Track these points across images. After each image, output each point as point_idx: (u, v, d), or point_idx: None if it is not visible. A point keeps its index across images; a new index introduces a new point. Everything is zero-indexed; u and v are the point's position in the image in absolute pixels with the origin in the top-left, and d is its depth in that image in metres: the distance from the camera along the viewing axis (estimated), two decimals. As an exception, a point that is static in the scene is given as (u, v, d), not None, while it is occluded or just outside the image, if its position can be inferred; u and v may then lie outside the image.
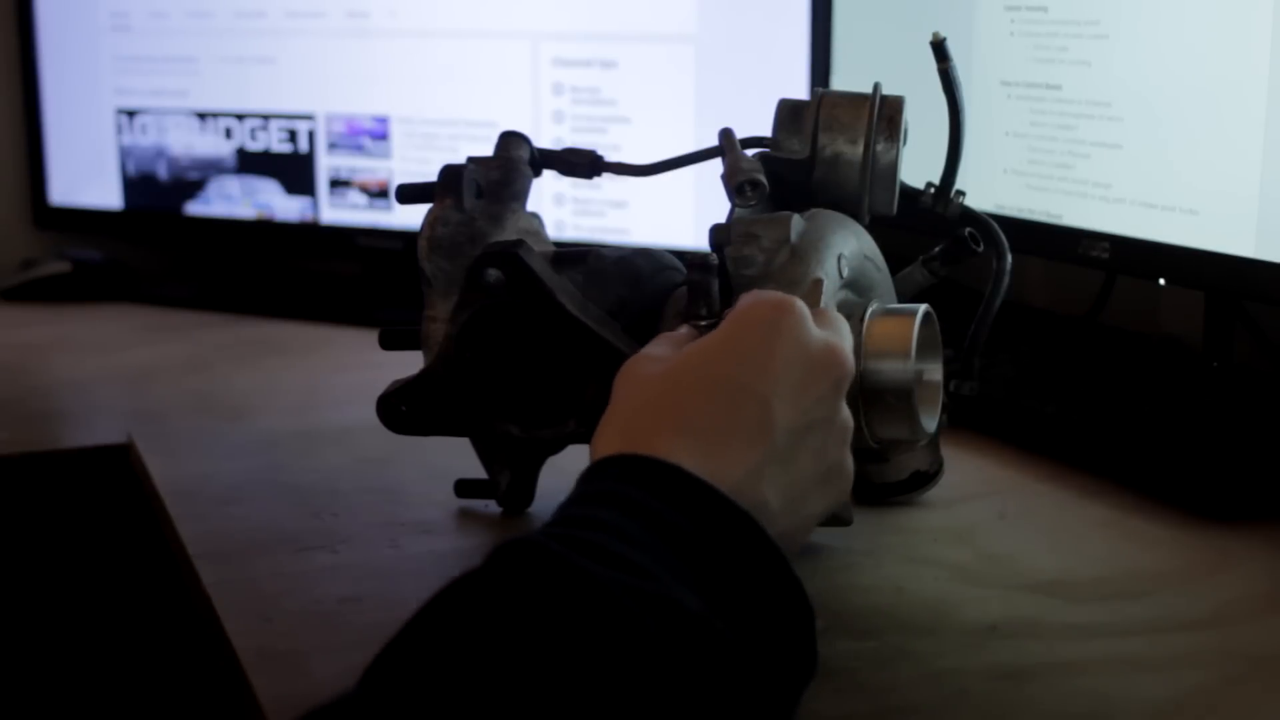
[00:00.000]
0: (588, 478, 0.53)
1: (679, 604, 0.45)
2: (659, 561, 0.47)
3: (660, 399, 0.56)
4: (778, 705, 0.49)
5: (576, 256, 0.74)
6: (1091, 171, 0.95)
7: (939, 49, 0.76)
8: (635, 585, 0.45)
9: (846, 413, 0.59)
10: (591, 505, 0.50)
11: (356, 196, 1.40)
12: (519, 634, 0.42)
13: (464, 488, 0.78)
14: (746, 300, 0.60)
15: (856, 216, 0.72)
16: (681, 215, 1.25)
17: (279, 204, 1.43)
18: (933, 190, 0.77)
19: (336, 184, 1.41)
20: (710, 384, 0.56)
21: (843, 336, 0.61)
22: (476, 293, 0.71)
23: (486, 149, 0.78)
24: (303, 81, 1.40)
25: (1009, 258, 0.77)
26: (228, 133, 1.44)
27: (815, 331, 0.58)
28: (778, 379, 0.56)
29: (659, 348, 0.61)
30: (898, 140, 0.73)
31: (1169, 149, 0.89)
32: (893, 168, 0.73)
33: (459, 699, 0.40)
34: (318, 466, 0.86)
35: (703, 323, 0.64)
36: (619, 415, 0.57)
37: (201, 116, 1.45)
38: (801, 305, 0.59)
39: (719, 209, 0.70)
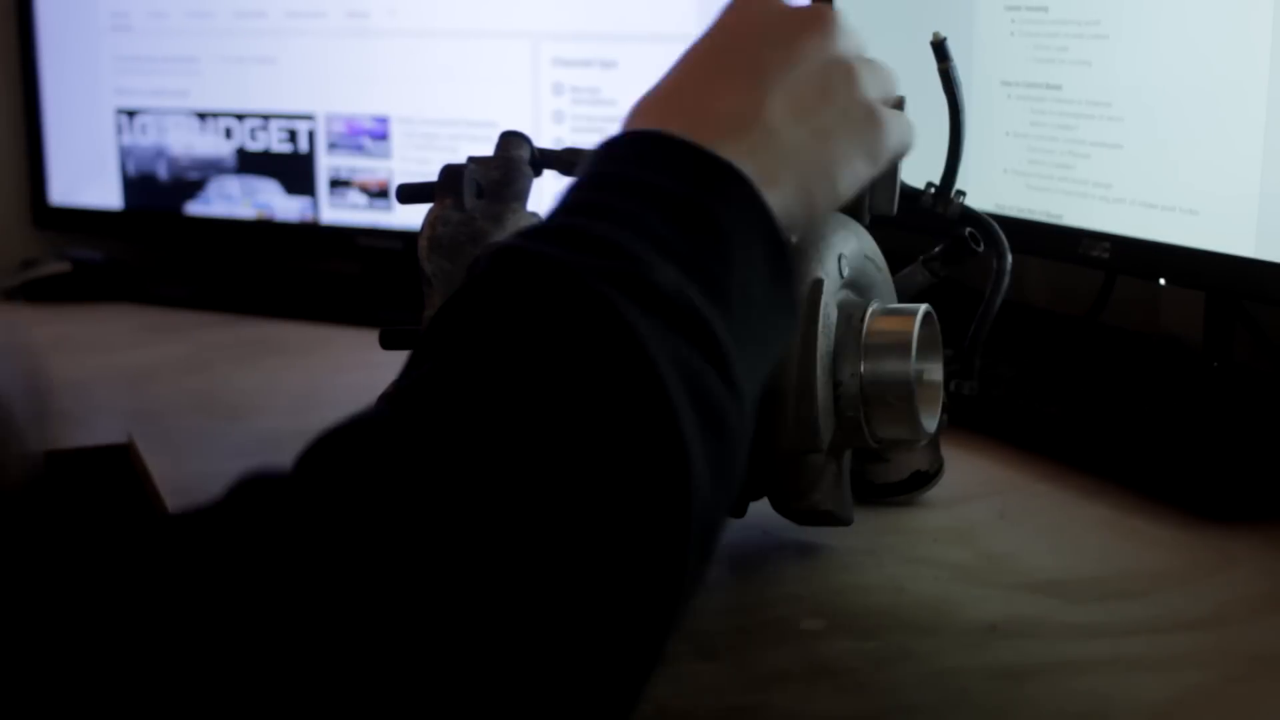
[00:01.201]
0: (589, 161, 0.52)
1: (649, 280, 0.45)
2: (644, 236, 0.47)
3: (650, 97, 0.56)
4: (752, 356, 0.49)
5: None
6: (1092, 171, 0.95)
7: (939, 49, 0.76)
8: (608, 266, 0.45)
9: (850, 54, 0.59)
10: (585, 190, 0.50)
11: (356, 196, 1.40)
12: (504, 323, 0.44)
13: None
14: None
15: (856, 216, 0.72)
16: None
17: (279, 204, 1.43)
18: (933, 190, 0.77)
19: (336, 184, 1.41)
20: (695, 61, 0.56)
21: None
22: (477, 293, 0.71)
23: (486, 149, 0.78)
24: (303, 81, 1.40)
25: (1009, 258, 0.77)
26: (228, 133, 1.44)
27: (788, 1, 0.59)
28: (756, 33, 0.57)
29: None
30: (898, 140, 0.73)
31: (1169, 149, 0.89)
32: (893, 168, 0.73)
33: (457, 402, 0.42)
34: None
35: None
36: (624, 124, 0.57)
37: (201, 116, 1.45)
38: None
39: (719, 209, 0.70)
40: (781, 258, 0.51)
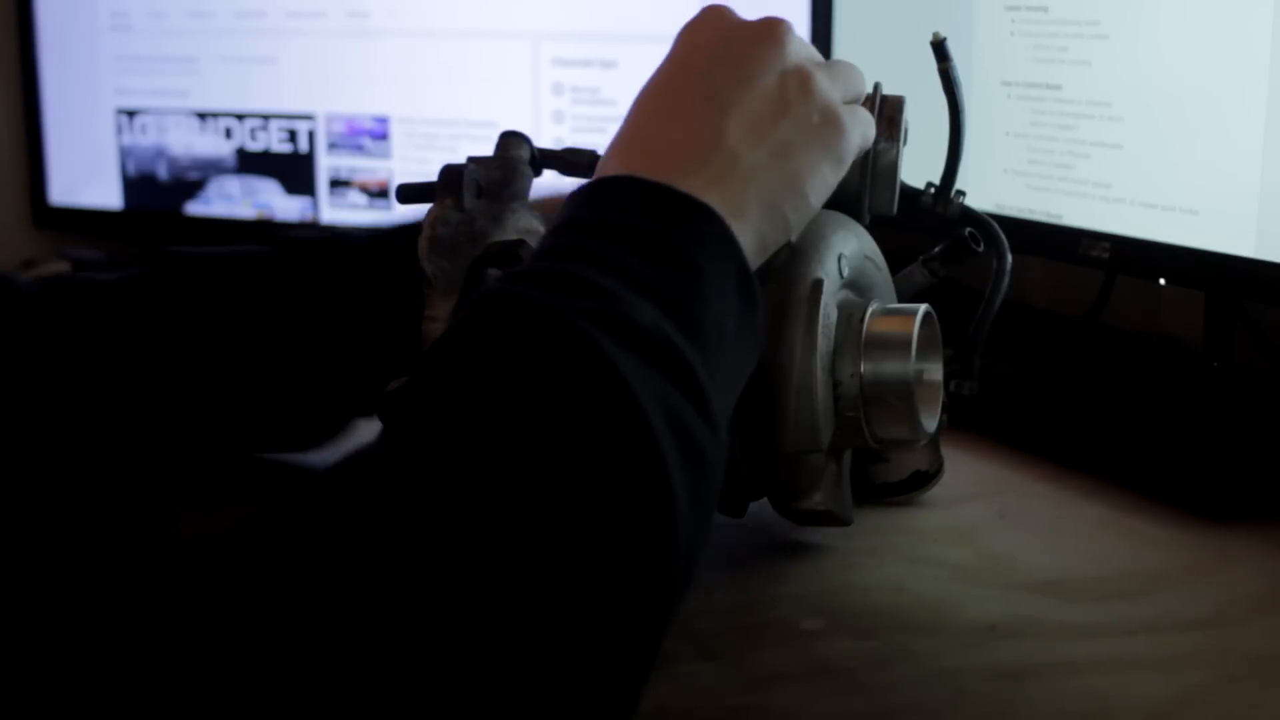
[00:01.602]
0: (564, 209, 0.54)
1: (628, 318, 0.46)
2: (621, 276, 0.48)
3: (616, 141, 0.58)
4: (724, 387, 0.50)
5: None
6: (1092, 171, 0.95)
7: (939, 49, 0.76)
8: (588, 306, 0.46)
9: (801, 61, 0.60)
10: (561, 235, 0.51)
11: (356, 196, 1.40)
12: (493, 369, 0.45)
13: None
14: None
15: (856, 216, 0.72)
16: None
17: (279, 204, 1.43)
18: (933, 190, 0.77)
19: (336, 184, 1.41)
20: (653, 97, 0.58)
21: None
22: (477, 292, 0.71)
23: (486, 149, 0.78)
24: (303, 81, 1.40)
25: (1009, 258, 0.77)
26: (228, 133, 1.44)
27: (740, 17, 0.61)
28: (709, 55, 0.58)
29: None
30: (898, 140, 0.73)
31: (1169, 149, 0.89)
32: (893, 168, 0.73)
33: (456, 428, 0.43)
34: (318, 465, 0.86)
35: None
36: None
37: (201, 116, 1.45)
38: (721, 4, 0.62)
39: (719, 209, 0.70)
40: (749, 289, 0.52)
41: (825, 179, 0.59)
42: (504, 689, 0.39)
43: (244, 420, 0.77)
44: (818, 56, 0.62)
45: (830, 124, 0.59)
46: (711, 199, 0.52)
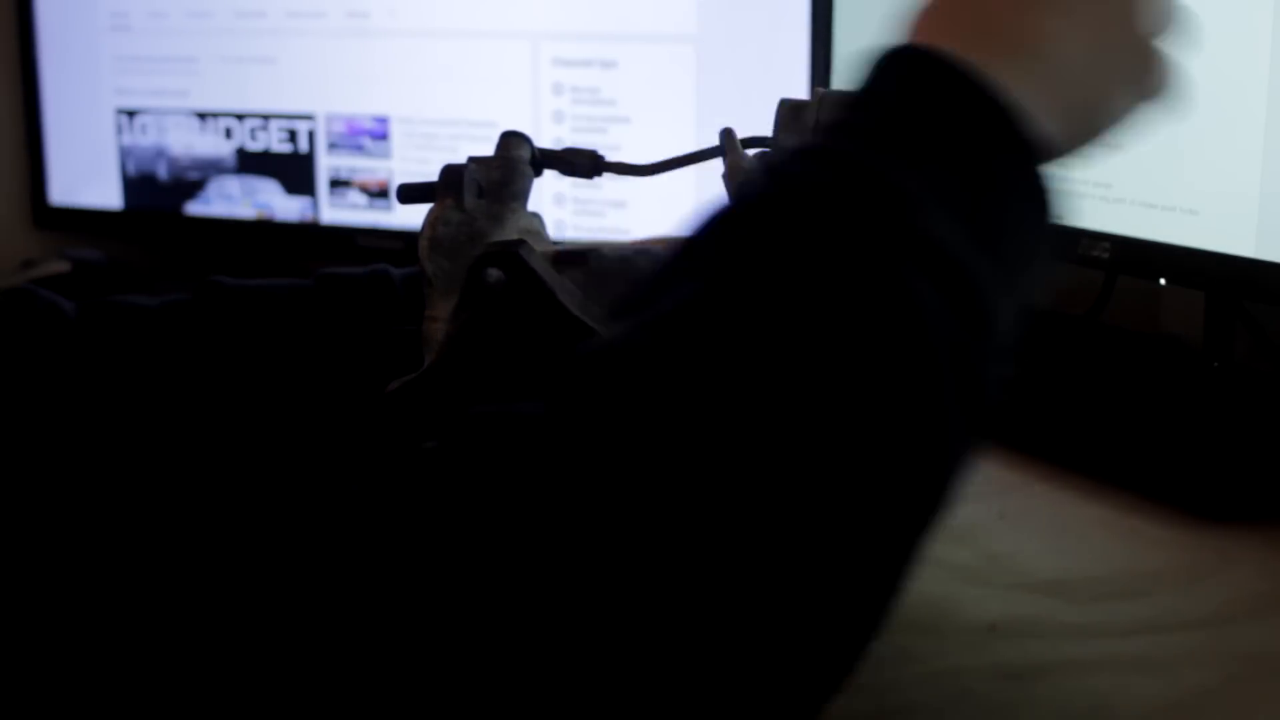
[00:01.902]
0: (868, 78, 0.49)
1: (927, 235, 0.43)
2: (918, 176, 0.44)
3: (928, 11, 0.52)
4: (1016, 302, 0.47)
5: (577, 256, 0.74)
6: (1091, 171, 0.95)
7: (939, 49, 0.76)
8: (885, 213, 0.42)
9: None
10: (864, 114, 0.47)
11: (356, 196, 1.40)
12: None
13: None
14: None
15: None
16: (682, 215, 1.24)
17: (279, 204, 1.43)
18: (933, 190, 0.77)
19: (336, 184, 1.41)
20: None
21: None
22: (477, 292, 0.71)
23: (486, 149, 0.78)
24: (303, 81, 1.40)
25: (1009, 258, 0.76)
26: (228, 133, 1.44)
27: None
28: None
29: None
30: (898, 140, 0.73)
31: (1169, 149, 0.89)
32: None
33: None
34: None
35: None
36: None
37: (201, 116, 1.45)
38: None
39: (719, 209, 0.70)
40: (1051, 205, 0.49)
41: (1125, 108, 0.55)
42: (755, 586, 0.38)
43: (277, 453, 0.77)
44: None
45: (1145, 55, 0.55)
46: (1025, 94, 0.48)
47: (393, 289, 0.81)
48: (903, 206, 0.43)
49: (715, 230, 0.45)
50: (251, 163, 1.43)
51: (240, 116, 1.43)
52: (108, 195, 1.50)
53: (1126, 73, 0.55)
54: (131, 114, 1.48)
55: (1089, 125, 0.54)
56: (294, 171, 1.42)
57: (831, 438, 0.39)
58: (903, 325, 0.41)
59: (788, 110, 0.75)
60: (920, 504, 0.42)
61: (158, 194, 1.48)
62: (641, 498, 0.37)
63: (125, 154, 1.49)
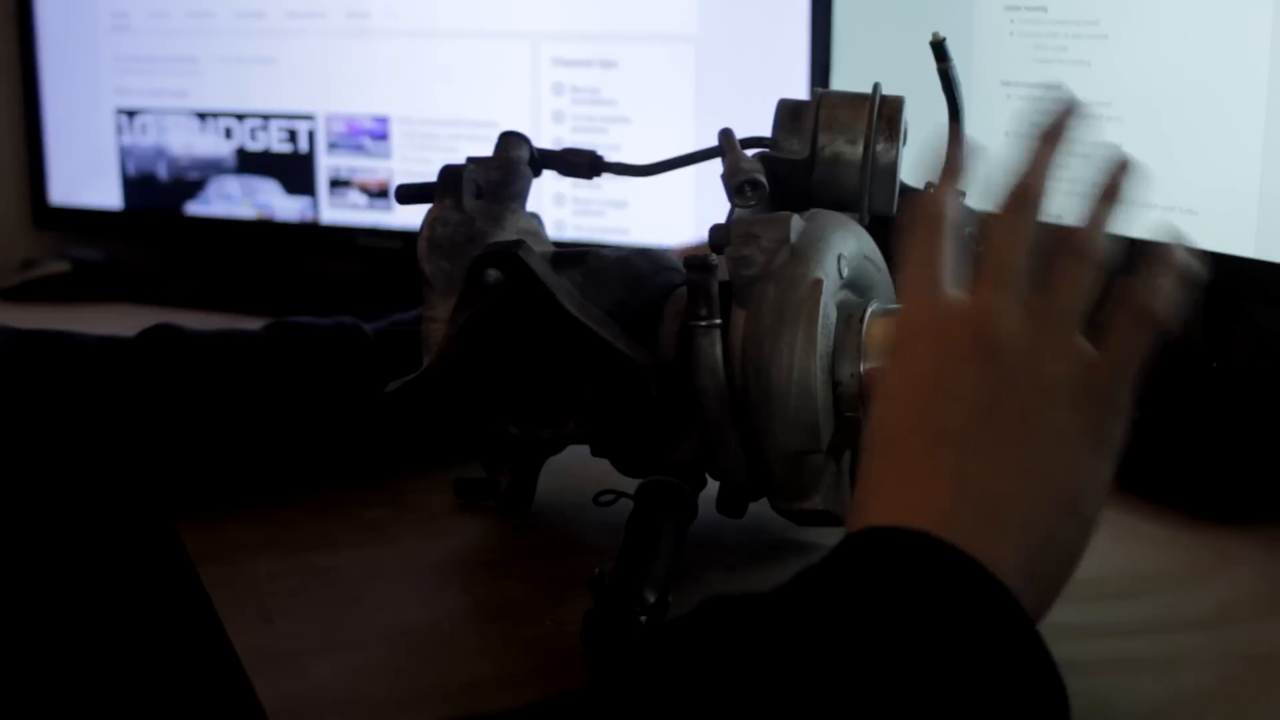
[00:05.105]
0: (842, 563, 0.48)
1: None
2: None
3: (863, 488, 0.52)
4: None
5: (576, 256, 0.74)
6: (1091, 171, 0.94)
7: (939, 49, 0.76)
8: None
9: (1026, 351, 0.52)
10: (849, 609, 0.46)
11: (356, 196, 1.40)
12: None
13: (464, 488, 0.78)
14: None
15: (856, 217, 0.72)
16: (681, 215, 1.25)
17: (279, 204, 1.43)
18: (933, 191, 0.77)
19: (336, 184, 1.41)
20: (876, 444, 0.52)
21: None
22: (476, 293, 0.71)
23: (486, 149, 0.78)
24: (303, 81, 1.40)
25: (1009, 258, 0.76)
26: (228, 133, 1.44)
27: (946, 292, 0.53)
28: (923, 379, 0.51)
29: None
30: (898, 140, 0.73)
31: (1169, 149, 0.89)
32: (893, 168, 0.73)
33: None
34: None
35: (701, 323, 0.64)
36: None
37: (201, 116, 1.45)
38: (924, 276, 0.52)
39: (719, 209, 0.70)
40: (1040, 650, 0.49)
41: (1101, 476, 0.52)
42: None
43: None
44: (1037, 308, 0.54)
45: (1085, 414, 0.52)
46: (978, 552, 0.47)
47: (362, 343, 0.80)
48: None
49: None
50: (251, 163, 1.44)
51: (240, 116, 1.43)
52: (108, 195, 1.50)
53: (1082, 448, 0.52)
54: (131, 114, 1.48)
55: (1077, 523, 0.53)
56: (294, 171, 1.42)
57: None
58: None
59: (787, 110, 0.75)
60: None
61: (158, 194, 1.48)
62: None
63: (125, 154, 1.49)
